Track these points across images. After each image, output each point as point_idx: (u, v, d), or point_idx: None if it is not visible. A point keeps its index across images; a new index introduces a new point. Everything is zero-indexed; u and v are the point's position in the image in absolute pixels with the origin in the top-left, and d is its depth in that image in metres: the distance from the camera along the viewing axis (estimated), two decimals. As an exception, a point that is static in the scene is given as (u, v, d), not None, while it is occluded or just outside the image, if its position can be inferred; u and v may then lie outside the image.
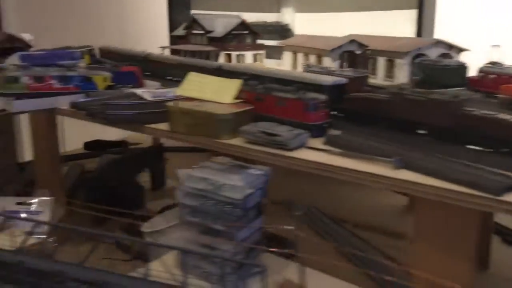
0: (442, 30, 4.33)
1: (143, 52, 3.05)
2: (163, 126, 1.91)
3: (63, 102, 2.24)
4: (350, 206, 3.38)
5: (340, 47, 2.65)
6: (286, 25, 4.26)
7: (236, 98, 1.92)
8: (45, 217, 2.29)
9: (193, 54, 3.35)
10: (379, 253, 2.61)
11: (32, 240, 1.59)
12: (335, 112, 1.78)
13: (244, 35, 3.37)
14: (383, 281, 1.54)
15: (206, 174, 1.53)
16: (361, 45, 2.67)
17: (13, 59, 2.51)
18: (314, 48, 2.75)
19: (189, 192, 1.53)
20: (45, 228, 1.89)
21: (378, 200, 3.45)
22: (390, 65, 2.56)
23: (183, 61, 2.66)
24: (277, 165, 1.60)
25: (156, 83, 2.58)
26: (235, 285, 1.51)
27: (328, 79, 1.85)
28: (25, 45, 2.97)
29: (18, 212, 2.34)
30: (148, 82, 2.65)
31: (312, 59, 2.79)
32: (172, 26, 4.95)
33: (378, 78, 2.60)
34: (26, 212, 2.36)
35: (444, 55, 2.52)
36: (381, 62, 2.60)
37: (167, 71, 2.74)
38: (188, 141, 1.82)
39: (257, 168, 1.57)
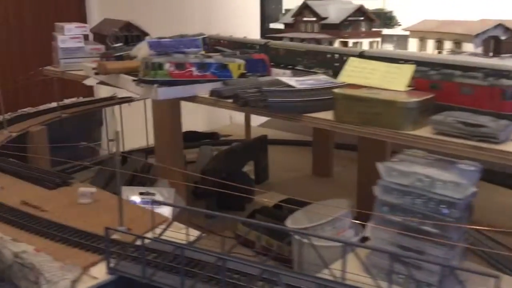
0: None
1: (260, 40, 2.92)
2: (327, 115, 1.77)
3: (203, 90, 2.14)
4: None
5: (484, 32, 2.44)
6: (390, 12, 4.04)
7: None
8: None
9: (302, 42, 3.20)
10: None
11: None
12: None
13: (359, 21, 3.20)
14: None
15: (413, 169, 1.37)
16: (507, 30, 2.46)
17: (143, 46, 2.44)
18: (452, 33, 2.55)
19: (391, 188, 1.37)
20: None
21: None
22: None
23: (314, 48, 2.49)
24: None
25: (287, 71, 2.44)
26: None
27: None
28: (142, 33, 2.91)
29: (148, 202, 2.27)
30: (274, 70, 2.52)
31: (448, 45, 2.59)
32: (263, 17, 4.83)
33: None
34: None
35: None
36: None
37: (291, 59, 2.59)
38: (361, 132, 1.67)
39: (466, 163, 1.39)
